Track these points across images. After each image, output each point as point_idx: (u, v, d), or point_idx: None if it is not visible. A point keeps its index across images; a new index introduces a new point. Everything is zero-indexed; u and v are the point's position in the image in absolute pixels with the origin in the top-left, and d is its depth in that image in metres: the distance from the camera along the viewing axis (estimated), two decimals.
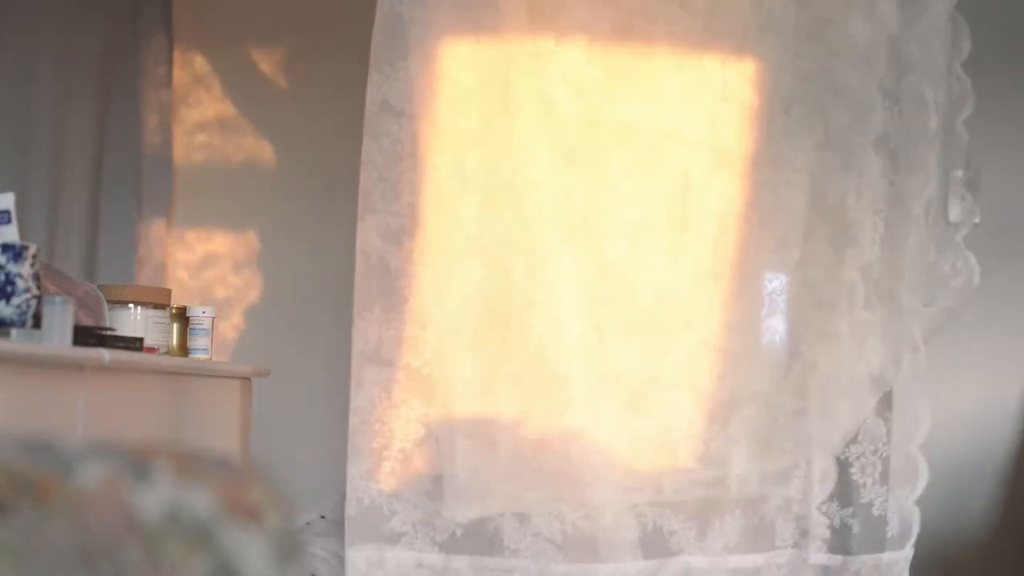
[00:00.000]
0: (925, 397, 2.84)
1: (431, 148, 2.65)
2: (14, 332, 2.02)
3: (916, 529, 2.82)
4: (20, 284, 2.02)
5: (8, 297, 2.02)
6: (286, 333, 3.90)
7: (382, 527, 2.70)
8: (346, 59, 3.95)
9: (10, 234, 2.15)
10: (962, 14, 3.67)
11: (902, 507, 2.80)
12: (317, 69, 3.96)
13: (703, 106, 2.67)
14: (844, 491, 2.81)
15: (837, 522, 2.80)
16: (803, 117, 2.71)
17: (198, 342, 2.85)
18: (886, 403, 2.80)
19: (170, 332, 2.80)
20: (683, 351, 2.70)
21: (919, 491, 2.81)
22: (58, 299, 2.15)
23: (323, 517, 3.26)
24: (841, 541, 2.80)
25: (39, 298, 2.07)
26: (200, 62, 3.98)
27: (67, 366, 2.09)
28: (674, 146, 2.66)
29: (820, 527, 2.78)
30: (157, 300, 2.76)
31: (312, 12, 3.97)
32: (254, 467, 0.94)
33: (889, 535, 2.79)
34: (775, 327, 2.79)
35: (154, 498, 0.85)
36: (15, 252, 2.03)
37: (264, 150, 3.96)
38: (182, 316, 2.87)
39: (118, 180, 3.73)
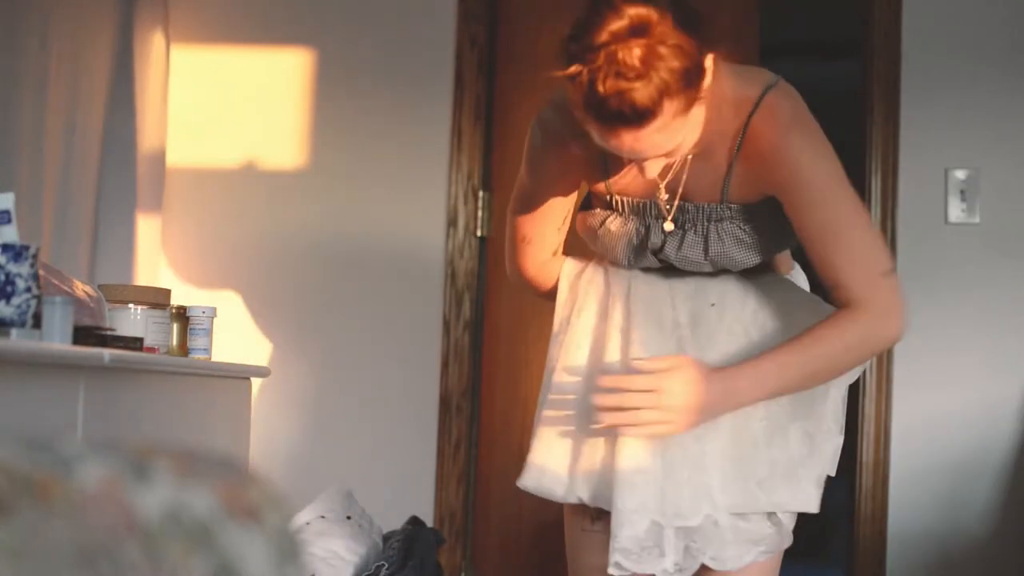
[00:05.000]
0: None
1: None
2: (14, 332, 2.01)
3: None
4: (20, 284, 2.02)
5: (8, 297, 2.02)
6: (286, 333, 3.90)
7: None
8: (341, 58, 3.96)
9: (10, 234, 2.15)
10: (964, 11, 3.67)
11: None
12: (313, 68, 3.96)
13: None
14: None
15: None
16: None
17: (198, 342, 2.85)
18: None
19: (170, 332, 2.80)
20: None
21: None
22: (58, 299, 2.15)
23: (323, 517, 3.26)
24: None
25: (39, 298, 2.07)
26: (197, 61, 3.98)
27: (67, 366, 2.09)
28: None
29: None
30: (157, 300, 2.75)
31: (309, 12, 3.97)
32: (254, 467, 0.94)
33: None
34: None
35: (154, 498, 0.85)
36: (15, 252, 2.03)
37: (262, 149, 3.96)
38: (182, 316, 2.87)
39: (117, 179, 3.73)
